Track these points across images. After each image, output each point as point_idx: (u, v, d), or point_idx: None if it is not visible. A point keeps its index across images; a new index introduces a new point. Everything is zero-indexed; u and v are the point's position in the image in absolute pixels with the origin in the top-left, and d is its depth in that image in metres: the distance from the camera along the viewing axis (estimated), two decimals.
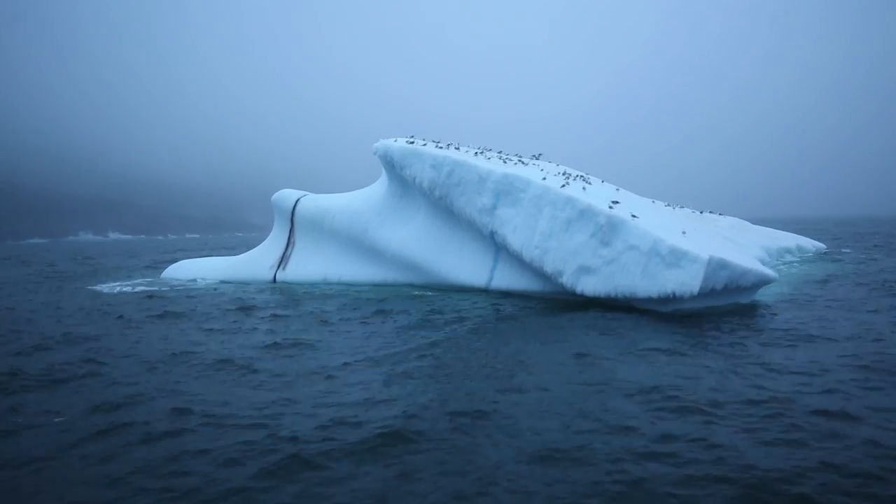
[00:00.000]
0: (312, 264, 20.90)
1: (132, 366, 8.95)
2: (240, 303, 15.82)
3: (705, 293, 12.80)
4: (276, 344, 10.34)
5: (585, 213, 13.66)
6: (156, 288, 20.21)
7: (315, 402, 6.94)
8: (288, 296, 17.80)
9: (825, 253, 23.78)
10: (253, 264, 22.27)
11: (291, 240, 21.99)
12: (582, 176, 18.19)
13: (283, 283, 20.92)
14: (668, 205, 23.39)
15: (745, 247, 18.67)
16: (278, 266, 21.59)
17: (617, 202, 14.23)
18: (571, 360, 8.48)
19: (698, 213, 23.36)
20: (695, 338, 9.83)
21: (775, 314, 12.33)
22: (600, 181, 19.45)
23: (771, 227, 31.12)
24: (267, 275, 21.54)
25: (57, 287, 21.92)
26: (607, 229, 13.23)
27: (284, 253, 21.93)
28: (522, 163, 18.41)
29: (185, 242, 78.52)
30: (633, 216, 13.30)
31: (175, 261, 26.06)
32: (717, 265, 12.56)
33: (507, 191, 15.20)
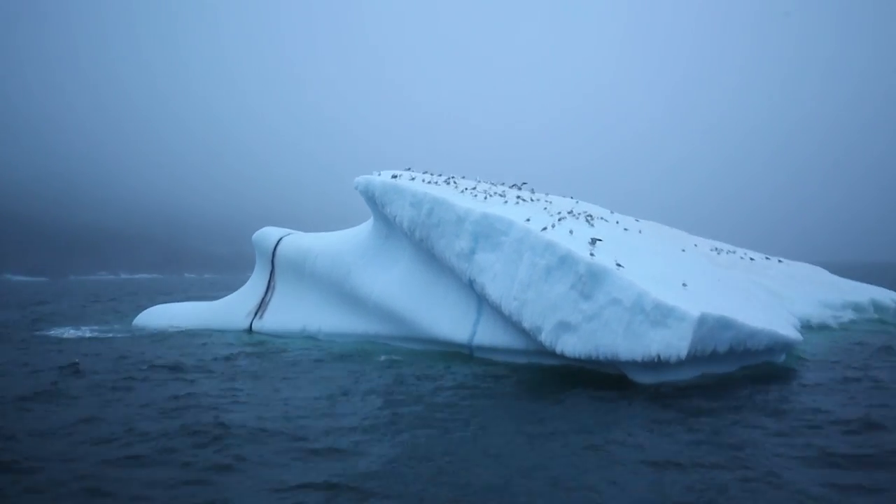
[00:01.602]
0: (292, 312, 21.69)
1: None
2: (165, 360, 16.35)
3: (704, 357, 12.71)
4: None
5: (566, 261, 13.86)
6: (109, 336, 21.47)
7: None
8: (244, 349, 18.56)
9: None
10: (229, 311, 23.30)
11: (271, 284, 22.95)
12: (589, 215, 18.36)
13: (259, 332, 21.77)
14: (716, 249, 23.10)
15: (792, 302, 18.25)
16: (255, 314, 22.52)
17: (599, 239, 14.51)
18: None
19: (750, 258, 22.92)
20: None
21: (793, 396, 11.99)
22: (615, 220, 19.52)
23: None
24: (243, 323, 22.49)
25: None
26: (587, 280, 13.37)
27: (263, 299, 22.88)
28: (521, 199, 18.81)
29: (192, 283, 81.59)
30: (619, 265, 13.40)
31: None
32: (715, 324, 12.47)
33: (487, 233, 15.58)
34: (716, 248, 23.27)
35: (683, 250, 20.15)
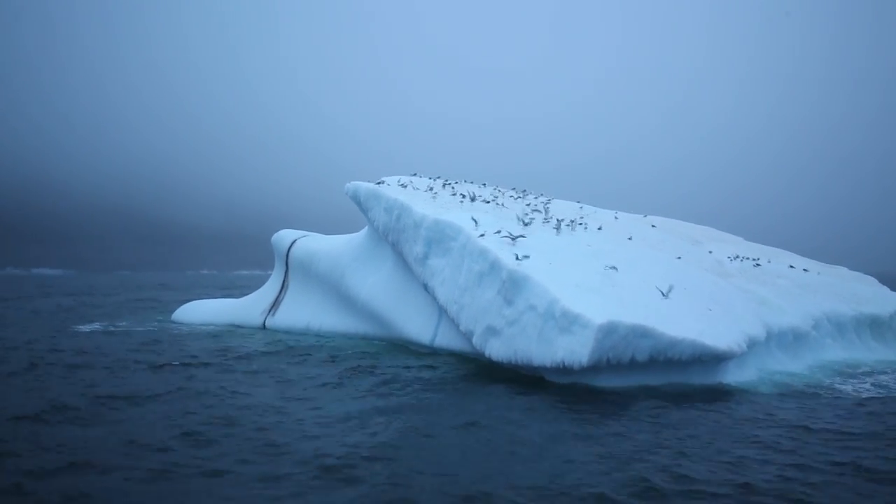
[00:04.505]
0: (300, 311, 23.43)
1: None
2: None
3: (623, 365, 13.00)
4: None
5: (494, 267, 14.53)
6: (141, 329, 24.00)
7: None
8: (229, 346, 20.33)
9: None
10: (249, 308, 25.41)
11: (285, 284, 24.82)
12: (568, 221, 18.72)
13: (271, 329, 23.65)
14: (733, 256, 22.60)
15: (782, 313, 17.70)
16: (269, 311, 24.44)
17: (521, 236, 15.07)
18: None
19: (756, 263, 22.25)
20: None
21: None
22: (598, 226, 19.67)
23: None
24: (258, 320, 24.49)
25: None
26: (509, 286, 13.98)
27: (277, 297, 24.78)
28: (501, 205, 19.46)
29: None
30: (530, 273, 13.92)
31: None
32: (629, 332, 12.73)
33: (439, 239, 16.45)
34: (732, 256, 22.77)
35: (679, 257, 20.02)
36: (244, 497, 7.22)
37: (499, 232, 15.64)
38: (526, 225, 17.25)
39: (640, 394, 12.68)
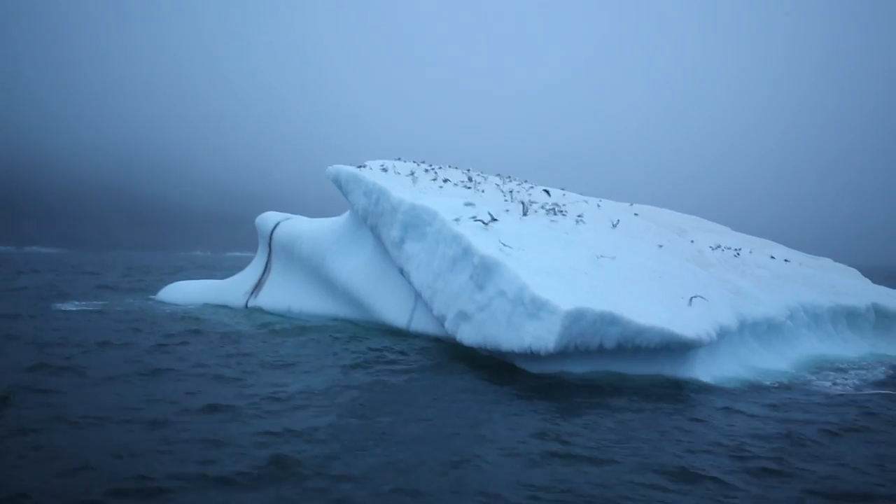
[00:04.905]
0: (281, 293, 23.53)
1: None
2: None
3: (592, 351, 13.13)
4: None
5: (467, 252, 14.63)
6: (120, 309, 24.09)
7: None
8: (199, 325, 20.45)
9: None
10: (232, 289, 25.52)
11: (268, 266, 24.91)
12: (547, 208, 18.80)
13: (253, 310, 23.78)
14: (715, 246, 22.72)
15: (757, 303, 17.85)
16: (251, 293, 24.55)
17: (495, 219, 15.09)
18: None
19: (735, 252, 22.37)
20: None
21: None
22: (578, 214, 19.76)
23: None
24: (240, 301, 24.60)
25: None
26: (481, 271, 14.09)
27: (260, 279, 24.88)
28: (481, 190, 19.52)
29: None
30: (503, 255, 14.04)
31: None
32: (598, 319, 12.82)
33: (415, 224, 16.54)
34: (714, 246, 22.88)
35: (661, 246, 20.09)
36: (183, 476, 7.35)
37: (474, 217, 15.72)
38: (524, 215, 17.35)
39: (605, 385, 12.69)
